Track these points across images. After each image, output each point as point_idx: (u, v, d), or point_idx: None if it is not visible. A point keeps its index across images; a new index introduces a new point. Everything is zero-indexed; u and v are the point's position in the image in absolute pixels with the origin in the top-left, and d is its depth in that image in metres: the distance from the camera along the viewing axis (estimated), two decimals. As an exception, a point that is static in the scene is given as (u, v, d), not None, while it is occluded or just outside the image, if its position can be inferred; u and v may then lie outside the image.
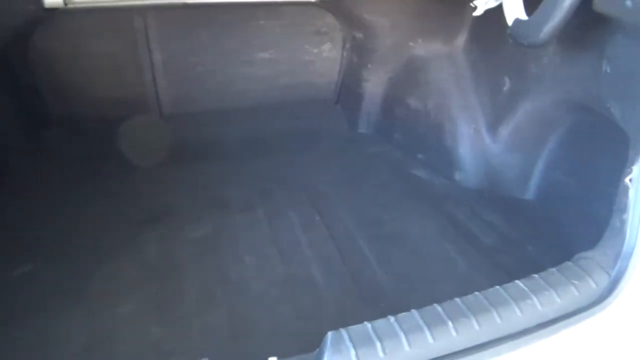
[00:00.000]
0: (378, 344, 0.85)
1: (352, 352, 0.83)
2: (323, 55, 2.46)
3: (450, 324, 0.89)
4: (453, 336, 0.89)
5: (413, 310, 0.93)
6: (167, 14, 2.17)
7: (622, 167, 1.06)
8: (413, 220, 1.75)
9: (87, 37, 2.08)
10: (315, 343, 0.90)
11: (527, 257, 1.54)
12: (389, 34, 2.24)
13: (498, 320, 0.92)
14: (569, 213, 1.55)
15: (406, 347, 0.85)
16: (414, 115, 2.21)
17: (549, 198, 1.71)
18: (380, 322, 0.90)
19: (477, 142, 1.96)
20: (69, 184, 1.88)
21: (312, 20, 2.37)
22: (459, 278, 1.47)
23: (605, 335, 1.04)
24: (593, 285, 1.01)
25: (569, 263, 1.07)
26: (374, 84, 2.36)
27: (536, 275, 1.03)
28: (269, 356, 0.91)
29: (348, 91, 2.50)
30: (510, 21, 1.40)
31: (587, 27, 1.37)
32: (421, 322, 0.90)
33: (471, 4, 1.61)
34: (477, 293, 0.98)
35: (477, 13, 1.60)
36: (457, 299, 0.96)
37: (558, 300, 0.97)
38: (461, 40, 2.05)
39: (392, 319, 0.91)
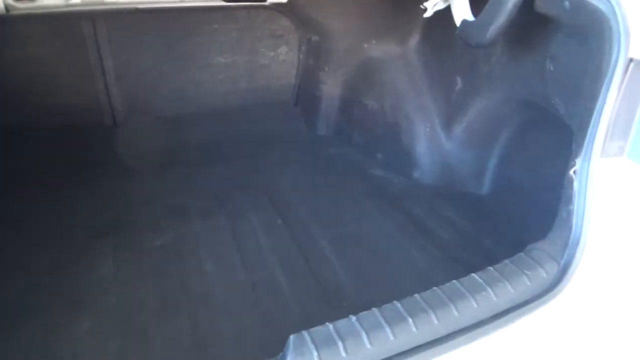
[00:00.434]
0: (340, 344, 0.86)
1: (315, 353, 0.84)
2: (280, 59, 2.46)
3: (410, 320, 0.91)
4: (413, 332, 0.91)
5: (374, 309, 0.95)
6: (118, 20, 2.12)
7: (568, 161, 1.11)
8: (373, 219, 1.77)
9: (34, 44, 2.00)
10: (280, 348, 0.90)
11: (484, 251, 1.58)
12: (343, 36, 2.26)
13: (456, 313, 0.95)
14: (521, 206, 1.61)
15: (368, 345, 0.87)
16: (372, 115, 2.24)
17: (503, 192, 1.77)
18: (341, 322, 0.91)
19: (433, 140, 2.01)
20: (19, 196, 1.80)
21: (267, 23, 2.36)
22: (419, 274, 1.50)
23: (558, 321, 1.08)
24: (544, 274, 1.05)
25: (521, 254, 1.11)
26: (332, 86, 2.38)
27: (491, 268, 1.07)
28: (233, 364, 0.91)
29: (306, 93, 2.51)
30: (458, 22, 1.44)
31: (532, 27, 1.42)
32: (382, 319, 0.91)
33: (421, 6, 1.65)
34: (435, 288, 1.01)
35: (427, 15, 1.64)
36: (416, 295, 0.99)
37: (512, 290, 1.01)
38: (414, 41, 2.09)
39: (353, 318, 0.93)
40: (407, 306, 0.95)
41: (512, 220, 1.62)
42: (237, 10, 2.30)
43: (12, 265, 1.48)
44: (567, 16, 1.16)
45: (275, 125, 2.46)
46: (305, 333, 0.89)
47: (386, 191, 1.96)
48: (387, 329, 0.89)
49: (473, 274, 1.05)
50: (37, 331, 1.27)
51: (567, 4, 1.13)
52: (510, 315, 1.01)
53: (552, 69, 1.35)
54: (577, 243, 1.05)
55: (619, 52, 0.99)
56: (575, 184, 1.06)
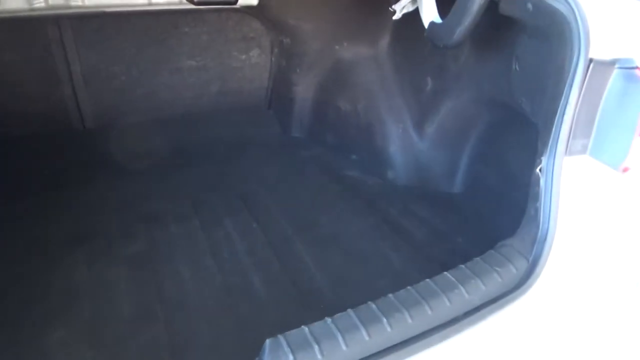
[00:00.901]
0: (316, 347, 0.86)
1: (291, 357, 0.84)
2: (252, 61, 2.45)
3: (384, 320, 0.93)
4: (388, 331, 0.92)
5: (349, 310, 0.96)
6: (85, 24, 2.07)
7: (535, 159, 1.14)
8: (348, 220, 1.78)
9: None
10: (257, 352, 0.90)
11: (457, 249, 1.61)
12: (314, 38, 2.27)
13: (429, 312, 0.96)
14: (492, 204, 1.64)
15: (343, 347, 0.88)
16: (345, 117, 2.26)
17: (474, 191, 1.80)
18: (317, 325, 0.92)
19: (405, 141, 2.03)
20: None
21: (238, 26, 2.35)
22: (394, 274, 1.52)
23: (528, 316, 1.11)
24: (514, 270, 1.08)
25: (492, 251, 1.14)
26: (304, 88, 2.38)
27: (463, 266, 1.09)
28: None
29: (279, 96, 2.51)
30: (426, 24, 1.47)
31: (498, 28, 1.45)
32: (357, 320, 0.92)
33: (390, 8, 1.67)
34: (409, 287, 1.02)
35: (395, 17, 1.66)
36: (391, 295, 1.00)
37: (483, 287, 1.03)
38: (384, 42, 2.12)
39: (329, 320, 0.93)
40: (381, 306, 0.96)
41: (483, 218, 1.65)
42: (208, 13, 2.29)
43: None
44: (530, 18, 1.19)
45: (248, 128, 2.45)
46: (281, 337, 0.89)
47: (361, 192, 1.98)
48: (362, 330, 0.90)
49: (446, 272, 1.07)
50: (7, 342, 1.23)
51: (529, 5, 1.17)
52: (483, 311, 1.03)
53: (517, 69, 1.39)
54: (544, 239, 1.08)
55: (579, 52, 1.03)
56: (542, 182, 1.09)
